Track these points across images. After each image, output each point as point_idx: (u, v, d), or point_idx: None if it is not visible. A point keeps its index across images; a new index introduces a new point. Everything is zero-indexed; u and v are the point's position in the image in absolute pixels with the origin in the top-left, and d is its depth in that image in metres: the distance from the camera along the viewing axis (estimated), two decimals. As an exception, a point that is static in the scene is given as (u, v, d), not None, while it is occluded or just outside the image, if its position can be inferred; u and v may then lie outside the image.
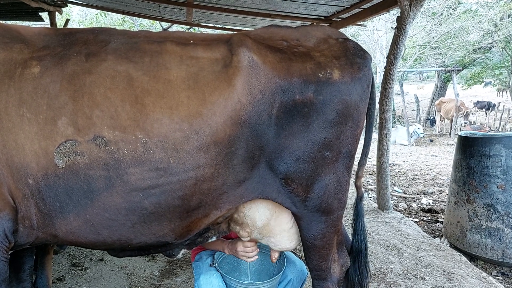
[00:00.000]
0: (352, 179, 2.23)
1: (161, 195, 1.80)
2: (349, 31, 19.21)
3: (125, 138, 1.74)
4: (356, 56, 1.98)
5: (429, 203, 6.80)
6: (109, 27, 2.11)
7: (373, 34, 20.21)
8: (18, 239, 1.87)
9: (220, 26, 9.12)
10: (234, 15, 7.06)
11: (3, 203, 1.76)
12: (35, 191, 1.77)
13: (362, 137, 2.01)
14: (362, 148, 2.25)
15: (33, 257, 2.39)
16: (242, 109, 1.80)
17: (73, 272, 3.75)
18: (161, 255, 4.16)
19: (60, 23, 8.27)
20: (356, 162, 2.10)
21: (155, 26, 12.56)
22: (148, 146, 1.75)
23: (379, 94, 5.57)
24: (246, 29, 9.94)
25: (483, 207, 4.35)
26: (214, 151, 1.79)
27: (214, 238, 2.21)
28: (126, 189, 1.76)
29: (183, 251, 2.23)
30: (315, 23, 7.47)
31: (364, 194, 2.21)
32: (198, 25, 9.42)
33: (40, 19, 8.71)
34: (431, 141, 15.49)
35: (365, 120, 2.11)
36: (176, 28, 10.98)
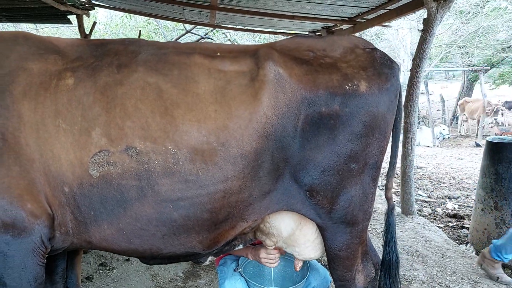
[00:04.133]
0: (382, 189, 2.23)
1: (190, 208, 1.85)
2: (372, 30, 18.97)
3: (155, 149, 1.79)
4: (383, 67, 1.98)
5: (455, 208, 6.68)
6: (138, 38, 2.16)
7: (397, 33, 19.90)
8: (54, 244, 1.95)
9: (242, 27, 9.16)
10: (256, 17, 7.09)
11: (41, 210, 1.84)
12: (71, 199, 1.84)
13: (389, 148, 2.01)
14: (389, 159, 2.25)
15: (65, 260, 2.47)
16: (268, 122, 1.82)
17: (101, 271, 3.85)
18: (185, 256, 4.23)
19: (87, 25, 8.43)
20: (384, 172, 2.10)
21: (178, 28, 12.73)
22: (177, 157, 1.79)
23: (404, 94, 5.51)
24: (269, 30, 9.96)
25: (511, 215, 4.26)
26: (241, 163, 1.83)
27: (241, 246, 2.25)
28: (157, 199, 1.81)
29: (210, 258, 2.28)
30: (338, 24, 7.43)
31: (392, 196, 2.20)
32: (221, 27, 9.49)
33: (69, 22, 8.90)
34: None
35: (391, 130, 2.11)
36: (198, 29, 11.10)
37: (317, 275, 2.51)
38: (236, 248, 2.25)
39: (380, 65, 1.97)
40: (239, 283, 2.38)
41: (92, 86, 1.85)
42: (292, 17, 6.83)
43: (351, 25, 7.05)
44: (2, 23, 12.12)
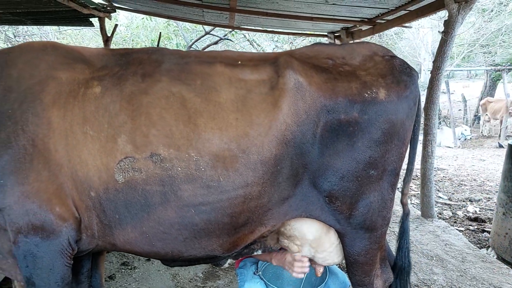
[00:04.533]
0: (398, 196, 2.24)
1: (212, 212, 1.90)
2: (392, 29, 18.75)
3: (179, 156, 1.84)
4: (402, 74, 1.99)
5: (476, 211, 6.58)
6: (161, 47, 2.22)
7: (418, 32, 19.65)
8: (80, 246, 2.02)
9: (261, 28, 9.20)
10: (275, 18, 7.11)
11: (68, 214, 1.92)
12: (97, 203, 1.91)
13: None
14: (406, 165, 2.26)
15: (90, 260, 2.56)
16: (287, 129, 1.86)
17: (123, 271, 3.95)
18: (205, 257, 4.30)
19: (108, 27, 8.60)
20: (400, 178, 2.11)
21: (198, 29, 12.85)
22: (199, 164, 1.84)
23: (423, 94, 5.47)
24: (287, 31, 9.97)
25: (534, 219, 4.19)
26: (261, 170, 1.87)
27: (259, 252, 2.27)
28: (179, 204, 1.87)
29: (229, 260, 2.32)
30: (357, 25, 7.40)
31: (407, 201, 2.22)
32: (239, 28, 9.54)
33: (91, 24, 9.09)
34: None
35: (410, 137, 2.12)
36: (217, 30, 11.19)
37: (336, 279, 2.53)
38: (255, 253, 2.29)
39: (399, 72, 1.98)
40: (258, 285, 2.42)
41: (118, 95, 1.91)
42: (311, 19, 6.84)
43: (370, 26, 7.02)
44: (27, 26, 12.42)
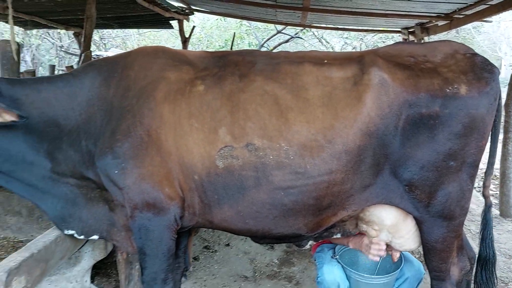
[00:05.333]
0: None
1: (299, 194, 2.12)
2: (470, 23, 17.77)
3: (271, 146, 2.09)
4: (483, 71, 2.08)
5: (560, 213, 6.20)
6: (252, 49, 2.48)
7: (499, 25, 18.47)
8: (183, 223, 2.35)
9: (333, 26, 9.27)
10: (348, 16, 7.17)
11: (175, 194, 2.24)
12: (199, 185, 2.21)
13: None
14: (488, 158, 2.32)
15: (187, 238, 2.90)
16: (371, 122, 2.03)
17: (205, 253, 4.32)
18: (280, 245, 4.55)
19: (186, 28, 9.13)
20: (481, 172, 2.19)
21: (269, 28, 13.19)
22: (289, 153, 2.08)
23: (504, 91, 5.27)
24: (359, 28, 9.94)
25: None
26: (345, 158, 2.06)
27: (338, 235, 2.46)
28: (270, 187, 2.12)
29: (310, 242, 2.53)
30: (433, 21, 7.23)
31: (489, 194, 2.30)
32: (311, 26, 9.68)
33: (170, 26, 9.71)
34: None
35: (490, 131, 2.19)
36: (288, 29, 11.41)
37: (411, 267, 2.65)
38: (334, 236, 2.48)
39: (480, 69, 2.08)
40: (336, 268, 2.61)
41: (219, 93, 2.20)
42: (385, 15, 6.81)
43: (447, 21, 6.84)
44: (113, 29, 13.44)
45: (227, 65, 2.32)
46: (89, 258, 3.15)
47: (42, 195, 2.39)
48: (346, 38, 16.09)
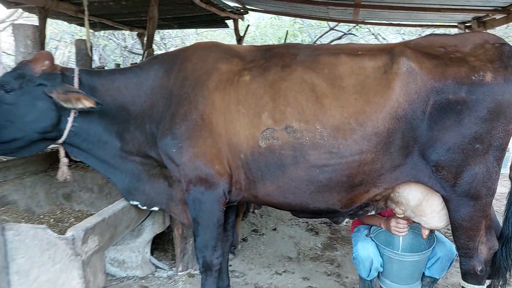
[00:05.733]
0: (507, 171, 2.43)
1: (332, 172, 2.36)
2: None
3: (307, 128, 2.34)
4: (511, 59, 2.21)
5: None
6: (297, 42, 2.76)
7: None
8: (231, 197, 2.66)
9: (386, 22, 9.24)
10: (401, 11, 7.18)
11: (224, 170, 2.55)
12: (245, 163, 2.51)
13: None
14: (515, 143, 2.43)
15: (234, 214, 3.23)
16: (400, 107, 2.23)
17: (253, 236, 4.64)
18: (324, 231, 4.78)
19: (240, 28, 9.49)
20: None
21: (322, 25, 13.30)
22: (323, 135, 2.32)
23: None
24: (414, 23, 9.81)
25: None
26: (375, 140, 2.27)
27: (372, 212, 2.69)
28: (307, 165, 2.37)
29: (346, 220, 2.76)
30: (490, 14, 7.05)
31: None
32: (364, 23, 9.71)
33: (226, 26, 10.14)
34: None
35: None
36: (341, 26, 11.44)
37: (443, 247, 2.79)
38: (368, 214, 2.70)
39: (508, 58, 2.21)
40: (370, 245, 2.82)
41: (263, 82, 2.48)
42: (439, 10, 6.76)
43: (504, 15, 6.66)
44: (172, 29, 14.16)
45: (272, 57, 2.60)
46: (149, 231, 3.57)
47: (113, 170, 2.80)
48: (403, 34, 15.75)
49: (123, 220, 2.89)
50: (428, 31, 14.02)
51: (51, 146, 2.85)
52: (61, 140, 2.64)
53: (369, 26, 13.31)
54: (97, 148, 2.73)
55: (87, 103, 2.45)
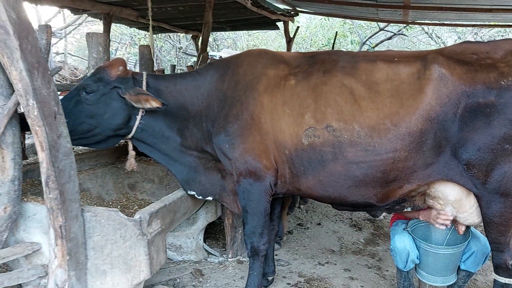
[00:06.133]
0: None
1: (368, 168, 2.60)
2: None
3: (345, 128, 2.59)
4: None
5: None
6: (338, 50, 3.02)
7: None
8: (276, 189, 2.96)
9: (438, 22, 9.15)
10: (451, 12, 7.15)
11: (270, 165, 2.86)
12: (289, 159, 2.80)
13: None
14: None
15: (279, 206, 3.53)
16: (431, 110, 2.43)
17: (298, 229, 4.91)
18: (367, 227, 4.97)
19: (290, 29, 9.74)
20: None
21: (372, 26, 13.26)
22: (360, 134, 2.56)
23: None
24: (466, 23, 9.62)
25: None
26: (408, 140, 2.48)
27: (409, 209, 2.88)
28: (345, 161, 2.62)
29: (384, 214, 2.97)
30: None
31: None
32: (414, 23, 9.66)
33: (277, 27, 10.44)
34: None
35: None
36: (392, 26, 11.40)
37: (478, 242, 2.93)
38: (405, 210, 2.90)
39: None
40: (406, 238, 3.00)
41: (306, 85, 2.76)
42: (490, 10, 6.68)
43: (562, 14, 6.47)
44: (225, 32, 14.67)
45: (315, 63, 2.87)
46: (203, 220, 3.96)
47: (173, 163, 3.19)
48: (458, 32, 15.32)
49: (181, 208, 3.27)
50: (486, 30, 13.58)
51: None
52: (130, 135, 3.05)
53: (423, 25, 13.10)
54: (160, 143, 3.12)
55: (154, 104, 2.83)
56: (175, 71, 11.21)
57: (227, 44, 18.52)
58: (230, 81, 3.01)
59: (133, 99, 2.84)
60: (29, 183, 3.14)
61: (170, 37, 16.95)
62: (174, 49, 18.20)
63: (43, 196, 2.98)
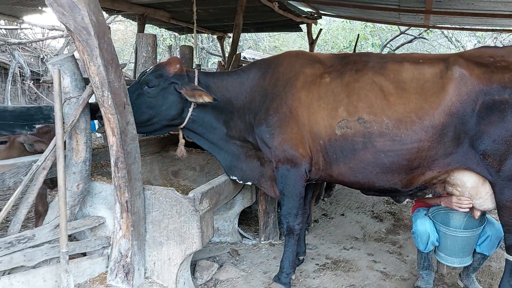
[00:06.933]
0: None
1: (395, 156, 2.95)
2: None
3: (375, 120, 2.94)
4: None
5: None
6: (367, 51, 3.38)
7: None
8: (311, 175, 3.33)
9: (458, 26, 9.39)
10: (472, 17, 7.39)
11: (306, 153, 3.22)
12: (323, 148, 3.17)
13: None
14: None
15: (311, 192, 3.90)
16: (452, 105, 2.77)
17: (323, 219, 5.28)
18: (388, 219, 5.30)
19: (314, 31, 10.06)
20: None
21: (393, 29, 13.52)
22: (389, 126, 2.91)
23: None
24: (486, 28, 9.82)
25: None
26: (431, 132, 2.83)
27: (430, 195, 3.22)
28: (374, 150, 2.98)
29: (407, 199, 3.31)
30: None
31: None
32: (435, 27, 9.90)
33: (300, 30, 10.79)
34: None
35: None
36: (412, 30, 11.65)
37: (492, 227, 3.24)
38: (427, 196, 3.24)
39: None
40: (427, 222, 3.33)
41: (340, 83, 3.12)
42: (510, 16, 6.91)
43: None
44: (249, 33, 15.06)
45: (348, 63, 3.24)
46: (239, 205, 4.35)
47: (219, 150, 3.59)
48: (478, 36, 15.45)
49: (224, 191, 3.67)
50: (506, 34, 13.69)
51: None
52: (182, 126, 3.46)
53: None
54: (208, 133, 3.52)
55: (206, 99, 3.23)
56: (201, 70, 11.62)
57: (248, 44, 18.97)
58: (271, 79, 3.39)
59: (188, 94, 3.24)
60: (93, 165, 3.58)
61: (192, 37, 17.40)
62: (197, 49, 18.69)
63: (107, 176, 3.42)
